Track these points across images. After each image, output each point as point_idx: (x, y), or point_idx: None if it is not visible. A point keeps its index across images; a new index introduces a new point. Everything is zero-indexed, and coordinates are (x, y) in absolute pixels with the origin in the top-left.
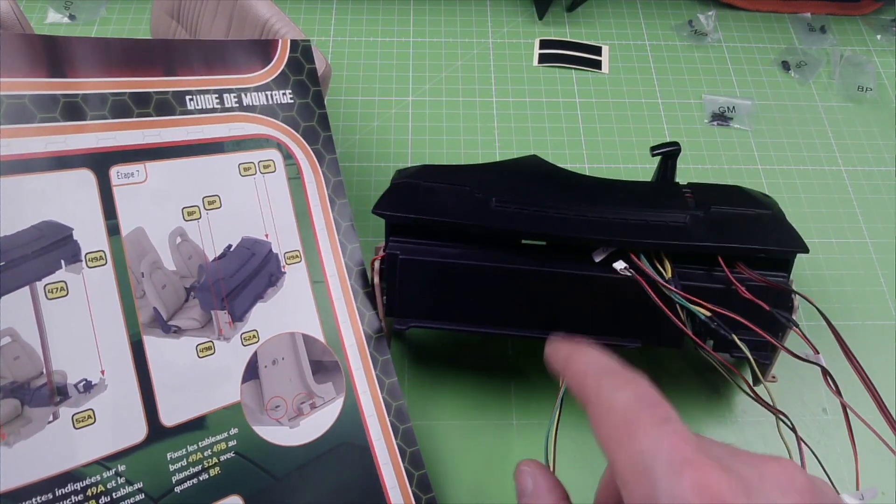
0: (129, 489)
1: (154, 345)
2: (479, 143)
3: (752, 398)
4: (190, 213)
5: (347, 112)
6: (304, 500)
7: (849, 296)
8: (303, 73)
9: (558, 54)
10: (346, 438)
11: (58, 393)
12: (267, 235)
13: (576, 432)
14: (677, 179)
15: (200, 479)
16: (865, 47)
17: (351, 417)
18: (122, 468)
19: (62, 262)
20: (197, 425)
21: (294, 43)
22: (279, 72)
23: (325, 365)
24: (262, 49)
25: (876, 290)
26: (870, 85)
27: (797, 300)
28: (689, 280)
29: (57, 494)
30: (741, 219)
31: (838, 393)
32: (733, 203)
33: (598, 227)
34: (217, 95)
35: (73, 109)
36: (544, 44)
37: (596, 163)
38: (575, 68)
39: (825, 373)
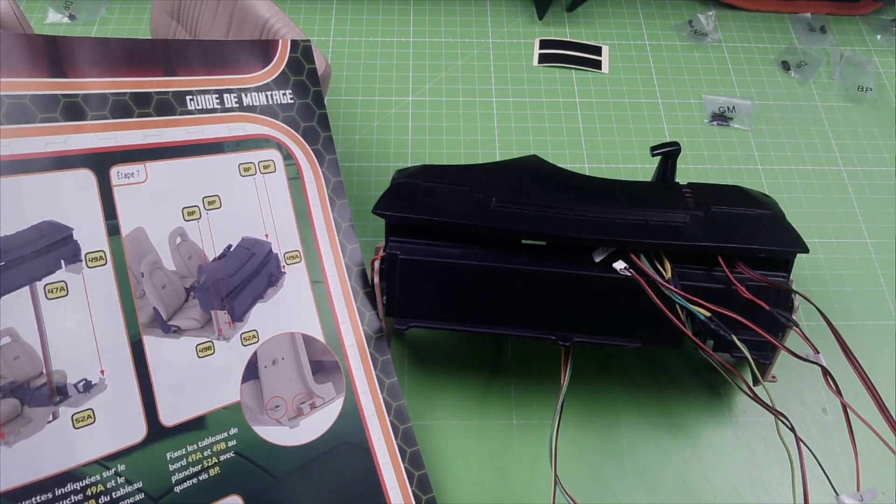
0: (128, 489)
1: (154, 345)
2: (479, 143)
3: (752, 398)
4: (190, 213)
5: (347, 112)
6: (304, 501)
7: (849, 296)
8: (303, 73)
9: (558, 54)
10: (347, 438)
11: (57, 393)
12: (267, 235)
13: (577, 433)
14: (677, 179)
15: (200, 478)
16: (865, 47)
17: (351, 417)
18: (121, 468)
19: (62, 262)
20: (196, 425)
21: (294, 43)
22: (279, 72)
23: (325, 365)
24: (263, 49)
25: (876, 290)
26: (870, 85)
27: (797, 300)
28: (689, 280)
29: (56, 494)
30: (741, 219)
31: (838, 393)
32: (733, 203)
33: (598, 227)
34: (217, 95)
35: (73, 109)
36: (544, 44)
37: (596, 163)
38: (575, 68)
39: (825, 373)
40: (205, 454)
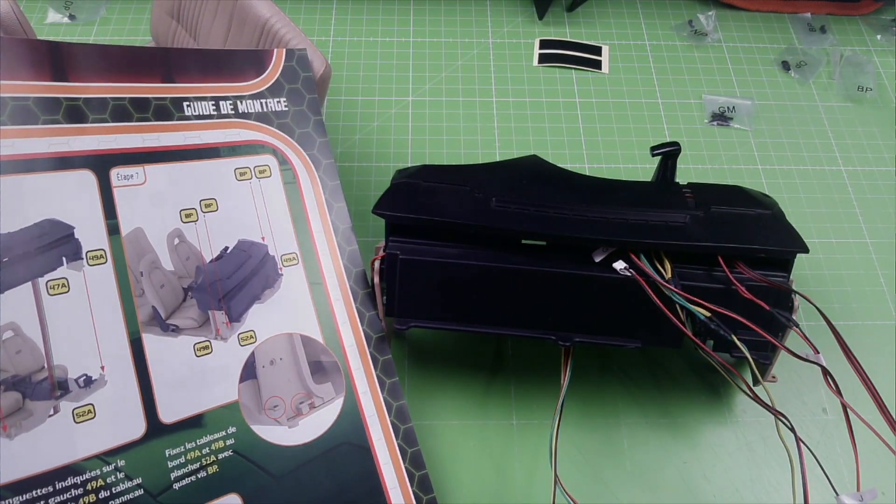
0: (128, 484)
1: (153, 342)
2: (479, 143)
3: (752, 398)
4: (187, 216)
5: (347, 112)
6: (304, 500)
7: (849, 296)
8: (298, 81)
9: (558, 54)
10: (347, 438)
11: (58, 387)
12: (263, 238)
13: (577, 433)
14: (677, 179)
15: (199, 476)
16: (865, 47)
17: (351, 417)
18: (121, 463)
19: (64, 259)
20: (195, 423)
21: (289, 52)
22: (274, 80)
23: (325, 365)
24: (258, 58)
25: (876, 290)
26: (870, 85)
27: (797, 300)
28: (689, 280)
29: (57, 487)
30: (741, 219)
31: (838, 393)
32: (733, 203)
33: (598, 227)
34: (213, 102)
35: (75, 112)
36: (544, 44)
37: (596, 163)
38: (575, 68)
39: (825, 373)
40: (203, 452)
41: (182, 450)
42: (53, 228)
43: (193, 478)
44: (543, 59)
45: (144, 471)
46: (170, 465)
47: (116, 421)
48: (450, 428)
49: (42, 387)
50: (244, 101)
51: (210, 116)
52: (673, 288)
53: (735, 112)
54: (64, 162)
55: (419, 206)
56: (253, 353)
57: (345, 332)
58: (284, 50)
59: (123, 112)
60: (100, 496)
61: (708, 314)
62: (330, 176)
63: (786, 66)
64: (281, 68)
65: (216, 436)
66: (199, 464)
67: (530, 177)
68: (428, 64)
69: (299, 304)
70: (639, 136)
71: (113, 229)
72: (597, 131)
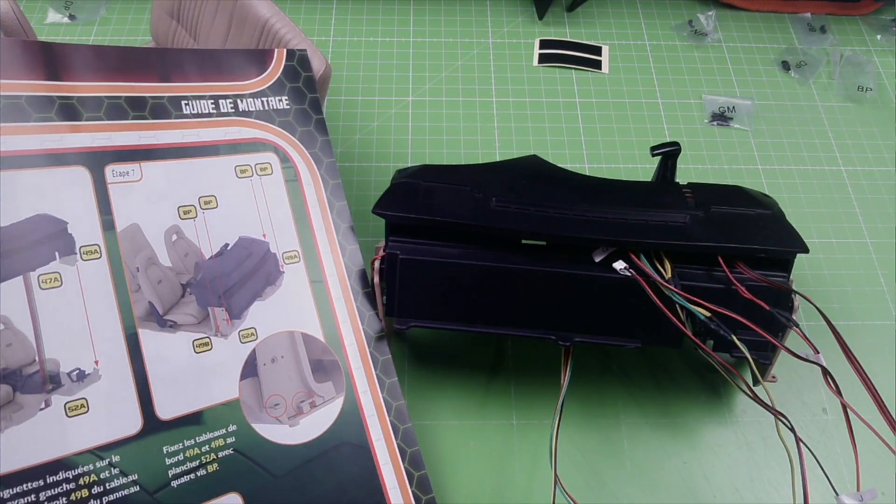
0: (123, 480)
1: (149, 338)
2: (479, 143)
3: (752, 398)
4: (186, 212)
5: (347, 112)
6: (304, 500)
7: (849, 296)
8: (299, 80)
9: (558, 54)
10: (347, 438)
11: (50, 381)
12: (264, 235)
13: (577, 433)
14: (677, 179)
15: (198, 474)
16: (865, 47)
17: (351, 417)
18: (115, 459)
19: (56, 253)
20: (194, 420)
21: (290, 52)
22: (275, 79)
23: (325, 364)
24: (258, 58)
25: (876, 290)
26: (870, 85)
27: (797, 300)
28: (689, 280)
29: (48, 481)
30: (741, 219)
31: (838, 393)
32: (733, 203)
33: (598, 227)
34: (212, 101)
35: (68, 110)
36: (544, 44)
37: (596, 163)
38: (575, 68)
39: (825, 373)
40: (203, 450)
41: (180, 447)
42: (46, 223)
43: (192, 476)
44: (543, 59)
45: (140, 467)
46: (167, 462)
47: (111, 416)
48: (449, 428)
49: (33, 380)
50: (244, 100)
51: (209, 115)
52: (673, 288)
53: (735, 112)
54: (57, 158)
55: (419, 206)
56: (254, 351)
57: (345, 331)
58: (285, 50)
59: (119, 110)
60: (93, 491)
61: (708, 314)
62: (331, 174)
63: (786, 66)
64: (282, 68)
65: (216, 434)
66: (198, 461)
67: (530, 177)
68: (428, 64)
69: (301, 301)
70: (639, 136)
71: (108, 225)
72: (597, 131)
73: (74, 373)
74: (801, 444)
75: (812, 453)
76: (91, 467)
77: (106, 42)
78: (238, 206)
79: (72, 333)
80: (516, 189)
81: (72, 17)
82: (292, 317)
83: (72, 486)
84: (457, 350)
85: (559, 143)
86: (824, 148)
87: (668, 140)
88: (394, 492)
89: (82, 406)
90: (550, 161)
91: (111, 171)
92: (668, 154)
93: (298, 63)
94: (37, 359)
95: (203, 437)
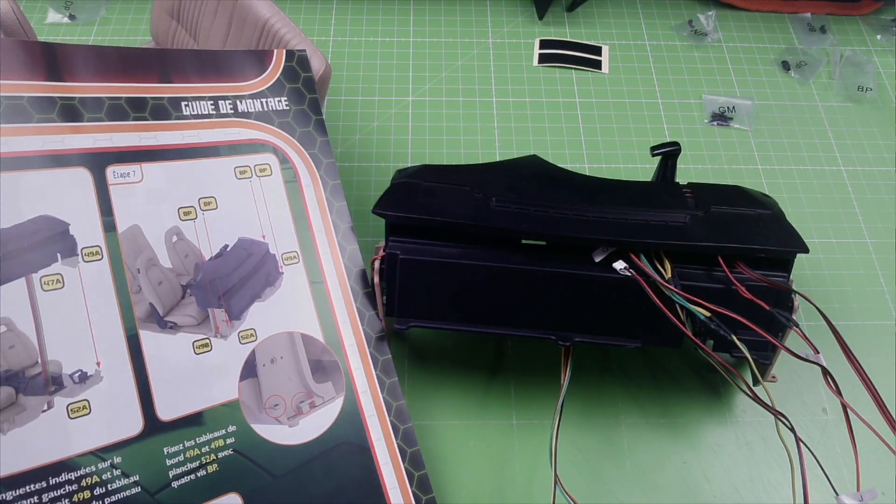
0: (124, 481)
1: (150, 339)
2: (479, 143)
3: (752, 398)
4: (186, 213)
5: (347, 112)
6: (303, 500)
7: (849, 296)
8: (299, 81)
9: (558, 54)
10: (346, 438)
11: (52, 382)
12: (264, 236)
13: (577, 433)
14: (677, 179)
15: (198, 475)
16: (865, 47)
17: (351, 417)
18: (117, 460)
19: (58, 255)
20: (194, 421)
21: (290, 53)
22: (274, 80)
23: (325, 364)
24: (257, 58)
25: (876, 290)
26: (870, 85)
27: (797, 300)
28: (689, 280)
29: (51, 483)
30: (741, 219)
31: (838, 393)
32: (733, 203)
33: (598, 227)
34: (212, 102)
35: (70, 111)
36: (544, 44)
37: (596, 163)
38: (575, 68)
39: (825, 373)
40: (203, 451)
41: (181, 448)
42: (48, 225)
43: (193, 476)
44: (543, 59)
45: (142, 468)
46: (168, 462)
47: (112, 417)
48: (450, 428)
49: (36, 382)
50: (244, 101)
51: (209, 116)
52: (673, 288)
53: (735, 112)
54: (58, 160)
55: (419, 206)
56: (253, 352)
57: (345, 332)
58: (285, 50)
59: (120, 111)
60: (95, 492)
61: (708, 314)
62: (331, 175)
63: (786, 66)
64: (281, 68)
65: (216, 434)
66: (198, 462)
67: (530, 177)
68: (428, 64)
69: (300, 302)
70: (639, 136)
71: (109, 226)
72: (597, 131)
73: (76, 374)
74: (801, 444)
75: (812, 453)
76: (93, 469)
77: (106, 42)
78: (237, 207)
79: (74, 335)
80: (516, 189)
81: (72, 17)
82: (291, 317)
83: (74, 487)
84: (457, 350)
85: (559, 143)
86: (824, 148)
87: (668, 140)
88: (394, 492)
89: (84, 407)
90: (550, 161)
91: (112, 172)
92: (668, 154)
93: (298, 63)
94: (39, 360)
95: (203, 438)
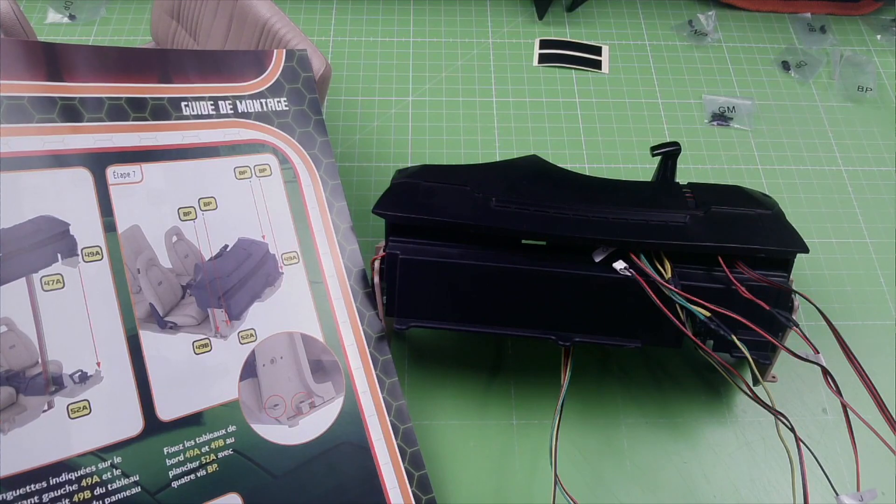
0: (124, 481)
1: (150, 339)
2: (479, 143)
3: (752, 398)
4: (186, 214)
5: (347, 112)
6: (303, 500)
7: (849, 296)
8: (298, 81)
9: (558, 54)
10: (346, 438)
11: (53, 382)
12: (264, 237)
13: (576, 434)
14: (677, 179)
15: (198, 475)
16: (865, 47)
17: (351, 417)
18: (117, 460)
19: (58, 255)
20: (194, 421)
21: (289, 53)
22: (274, 80)
23: (325, 364)
24: (257, 59)
25: (876, 290)
26: (870, 85)
27: (797, 300)
28: (689, 280)
29: (51, 483)
30: (741, 219)
31: (838, 393)
32: (733, 203)
33: (598, 227)
34: (212, 102)
35: (70, 111)
36: (544, 44)
37: (596, 163)
38: (575, 68)
39: (825, 373)
40: (203, 451)
41: (181, 448)
42: (48, 225)
43: (192, 476)
44: (543, 59)
45: (142, 468)
46: (168, 462)
47: (112, 417)
48: (450, 428)
49: (36, 382)
50: (244, 101)
51: (209, 116)
52: (673, 288)
53: (735, 112)
54: (59, 160)
55: (419, 206)
56: (253, 352)
57: (345, 332)
58: (284, 50)
59: (120, 111)
60: (95, 492)
61: (708, 314)
62: (331, 175)
63: (786, 66)
64: (281, 68)
65: (216, 434)
66: (198, 462)
67: (530, 177)
68: (428, 64)
69: (300, 302)
70: (639, 136)
71: (109, 226)
72: (597, 131)
73: (77, 374)
74: (801, 444)
75: (812, 453)
76: (93, 469)
77: (106, 42)
78: (237, 207)
79: (74, 335)
80: (516, 189)
81: (72, 17)
82: (291, 318)
83: (74, 487)
84: (457, 350)
85: (559, 143)
86: (824, 148)
87: (668, 140)
88: (394, 492)
89: (84, 407)
90: (550, 161)
91: (112, 172)
92: (668, 154)
93: (298, 63)
94: (39, 360)
95: (203, 438)
